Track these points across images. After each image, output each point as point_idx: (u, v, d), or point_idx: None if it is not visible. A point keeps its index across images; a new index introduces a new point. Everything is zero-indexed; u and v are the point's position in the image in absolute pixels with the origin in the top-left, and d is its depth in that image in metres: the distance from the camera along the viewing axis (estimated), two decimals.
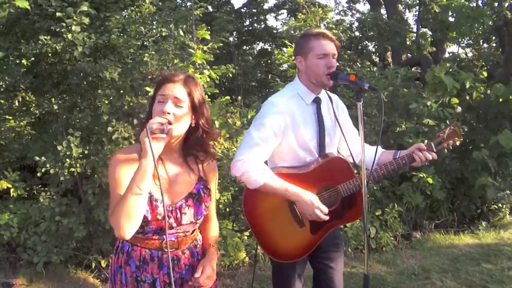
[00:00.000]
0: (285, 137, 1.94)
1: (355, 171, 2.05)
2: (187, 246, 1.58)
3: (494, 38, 6.43)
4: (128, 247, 1.54)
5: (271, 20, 30.02)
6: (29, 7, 3.13)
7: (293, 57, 2.13)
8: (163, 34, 4.05)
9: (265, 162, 2.02)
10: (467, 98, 4.90)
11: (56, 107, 3.70)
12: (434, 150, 2.03)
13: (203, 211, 1.57)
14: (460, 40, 6.90)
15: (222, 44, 4.37)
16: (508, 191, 4.91)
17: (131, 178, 1.37)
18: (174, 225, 1.51)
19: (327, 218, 1.91)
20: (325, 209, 1.90)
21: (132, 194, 1.34)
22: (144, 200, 1.39)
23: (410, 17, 9.21)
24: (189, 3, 6.11)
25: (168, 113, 1.43)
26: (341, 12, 10.52)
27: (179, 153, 1.58)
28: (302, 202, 1.89)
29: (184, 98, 1.48)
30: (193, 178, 1.58)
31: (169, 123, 1.41)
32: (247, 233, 3.78)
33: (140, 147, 1.43)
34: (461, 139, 2.12)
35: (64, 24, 3.40)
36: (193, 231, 1.60)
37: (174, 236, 1.53)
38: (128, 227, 1.36)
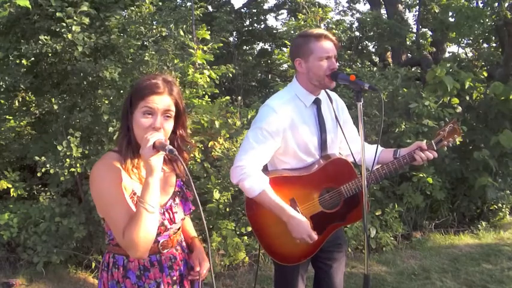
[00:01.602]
0: (283, 139, 1.94)
1: (357, 172, 2.05)
2: (176, 242, 1.61)
3: (494, 38, 6.42)
4: (122, 260, 1.50)
5: (271, 20, 30.08)
6: (30, 6, 3.14)
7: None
8: (163, 34, 4.05)
9: (266, 166, 2.02)
10: (467, 98, 4.90)
11: (56, 107, 3.70)
12: (435, 149, 2.03)
13: (190, 206, 1.60)
14: (460, 40, 6.89)
15: (222, 44, 4.38)
16: (508, 191, 4.91)
17: (139, 197, 1.36)
18: (169, 226, 1.51)
19: (315, 238, 1.91)
20: (314, 237, 1.90)
21: (147, 212, 1.33)
22: (158, 217, 1.39)
23: (410, 17, 9.22)
24: (189, 3, 6.12)
25: (159, 128, 1.40)
26: (341, 12, 10.55)
27: None
28: (291, 225, 1.90)
29: (173, 108, 1.45)
30: (172, 177, 1.59)
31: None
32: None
33: (116, 156, 1.45)
34: (461, 136, 2.12)
35: (64, 24, 3.41)
36: (179, 228, 1.62)
37: (166, 236, 1.53)
38: (147, 247, 1.36)
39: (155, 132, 1.36)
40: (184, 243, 1.66)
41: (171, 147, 1.32)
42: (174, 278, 1.55)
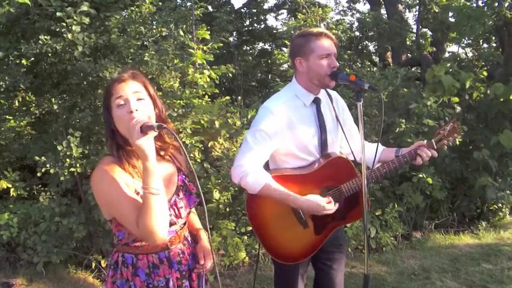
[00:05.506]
0: (282, 140, 1.94)
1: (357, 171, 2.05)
2: (183, 237, 1.61)
3: (494, 38, 6.41)
4: (131, 259, 1.51)
5: (271, 20, 30.06)
6: (29, 2, 3.14)
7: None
8: (163, 34, 4.05)
9: (267, 164, 2.02)
10: (467, 98, 4.90)
11: (56, 107, 3.69)
12: (435, 148, 2.03)
13: (194, 199, 1.60)
14: (460, 40, 6.89)
15: (222, 44, 4.37)
16: (508, 191, 4.91)
17: (142, 184, 1.37)
18: (175, 220, 1.53)
19: (334, 208, 1.90)
20: (331, 206, 1.89)
21: (153, 196, 1.34)
22: (164, 198, 1.40)
23: (410, 17, 9.20)
24: (189, 3, 6.12)
25: (136, 110, 1.38)
26: (341, 12, 10.53)
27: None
28: (304, 209, 1.91)
29: (141, 89, 1.45)
30: (173, 171, 1.58)
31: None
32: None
33: (111, 159, 1.45)
34: (461, 134, 2.12)
35: (64, 24, 3.40)
36: (185, 222, 1.62)
37: (173, 232, 1.54)
38: (162, 229, 1.38)
39: (137, 118, 1.36)
40: (189, 237, 1.66)
41: (158, 123, 1.34)
42: (184, 272, 1.56)
